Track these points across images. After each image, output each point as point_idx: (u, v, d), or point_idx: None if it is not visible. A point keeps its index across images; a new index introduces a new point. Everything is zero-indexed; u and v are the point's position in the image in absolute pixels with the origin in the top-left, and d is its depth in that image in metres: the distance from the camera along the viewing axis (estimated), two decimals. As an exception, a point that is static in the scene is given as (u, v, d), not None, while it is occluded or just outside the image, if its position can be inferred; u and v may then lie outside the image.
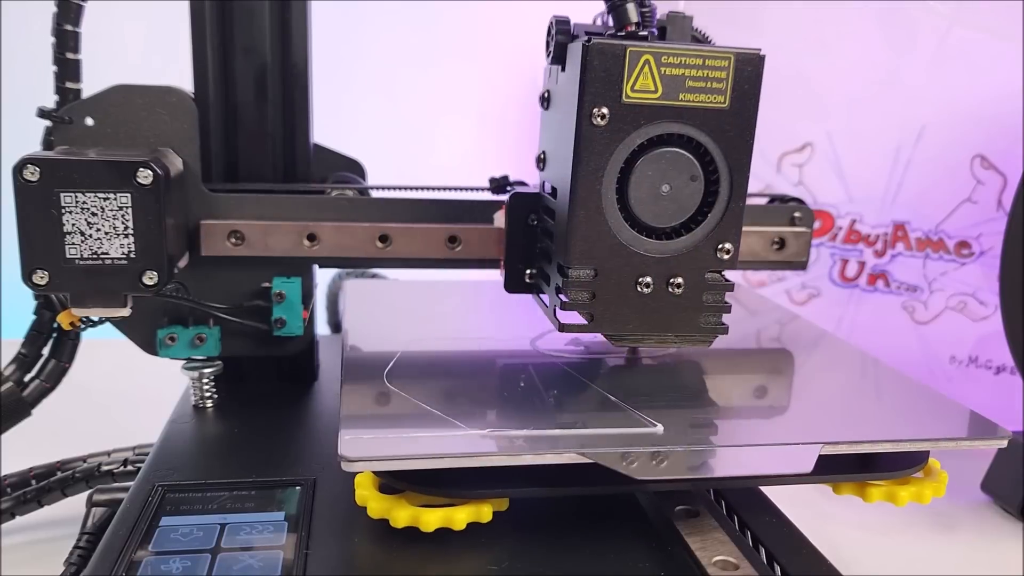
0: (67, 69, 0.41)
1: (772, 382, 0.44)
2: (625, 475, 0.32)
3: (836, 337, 0.53)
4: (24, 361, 0.46)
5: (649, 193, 0.35)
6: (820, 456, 0.34)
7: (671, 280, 0.36)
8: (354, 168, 0.51)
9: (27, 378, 0.46)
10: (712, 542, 0.35)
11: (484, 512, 0.34)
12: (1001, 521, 0.54)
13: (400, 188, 0.47)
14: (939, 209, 0.67)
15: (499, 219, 0.45)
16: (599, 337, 0.44)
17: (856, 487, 0.37)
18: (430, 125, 0.88)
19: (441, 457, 0.32)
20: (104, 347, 0.76)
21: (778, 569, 0.34)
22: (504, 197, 0.42)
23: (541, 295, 0.41)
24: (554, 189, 0.38)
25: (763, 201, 0.52)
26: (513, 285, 0.42)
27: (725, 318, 0.38)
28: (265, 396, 0.48)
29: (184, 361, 0.46)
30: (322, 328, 0.65)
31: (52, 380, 0.46)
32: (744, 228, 0.48)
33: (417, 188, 0.47)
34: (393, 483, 0.34)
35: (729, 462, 0.34)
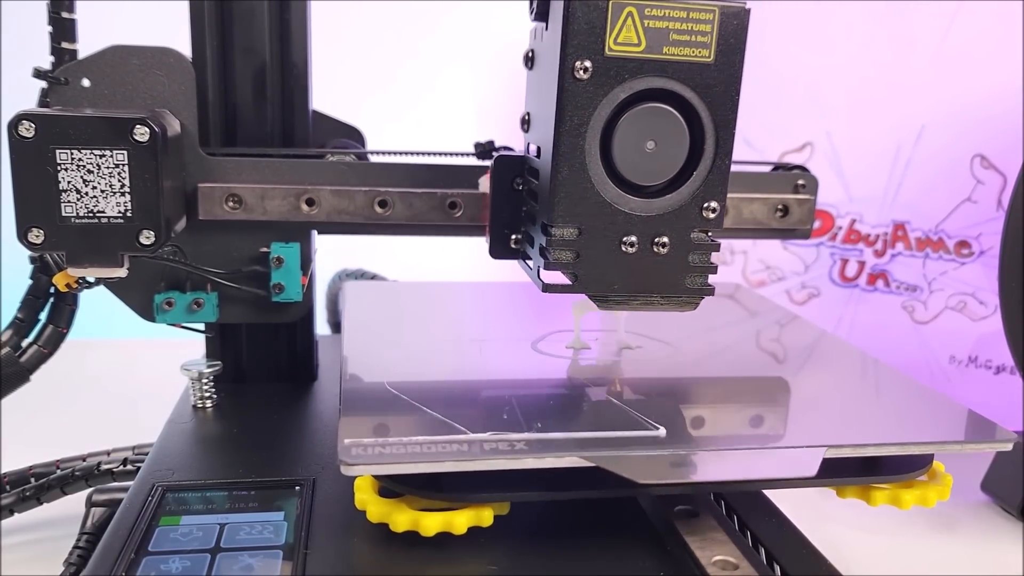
0: (62, 29, 0.41)
1: (772, 384, 0.44)
2: (628, 479, 0.32)
3: (836, 337, 0.52)
4: (20, 326, 0.45)
5: (634, 150, 0.34)
6: (824, 459, 0.34)
7: (656, 240, 0.36)
8: (353, 135, 0.51)
9: (24, 343, 0.46)
10: (712, 542, 0.35)
11: (485, 516, 0.33)
12: (1001, 521, 0.54)
13: (400, 153, 0.46)
14: (939, 209, 0.67)
15: (484, 184, 0.44)
16: (600, 339, 0.44)
17: (860, 490, 0.37)
18: (430, 113, 0.88)
19: (442, 461, 0.32)
20: (104, 347, 0.76)
21: (778, 569, 0.34)
22: (490, 162, 0.41)
23: (527, 260, 0.41)
24: (539, 150, 0.38)
25: (767, 169, 0.52)
26: (498, 251, 0.41)
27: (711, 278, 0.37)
28: (265, 396, 0.48)
29: (183, 362, 0.46)
30: (322, 328, 0.65)
31: (50, 346, 0.46)
32: (747, 195, 0.49)
33: (417, 153, 0.46)
34: (393, 487, 0.34)
35: (732, 465, 0.34)
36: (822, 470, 0.34)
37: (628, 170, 0.35)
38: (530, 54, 0.39)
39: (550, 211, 0.35)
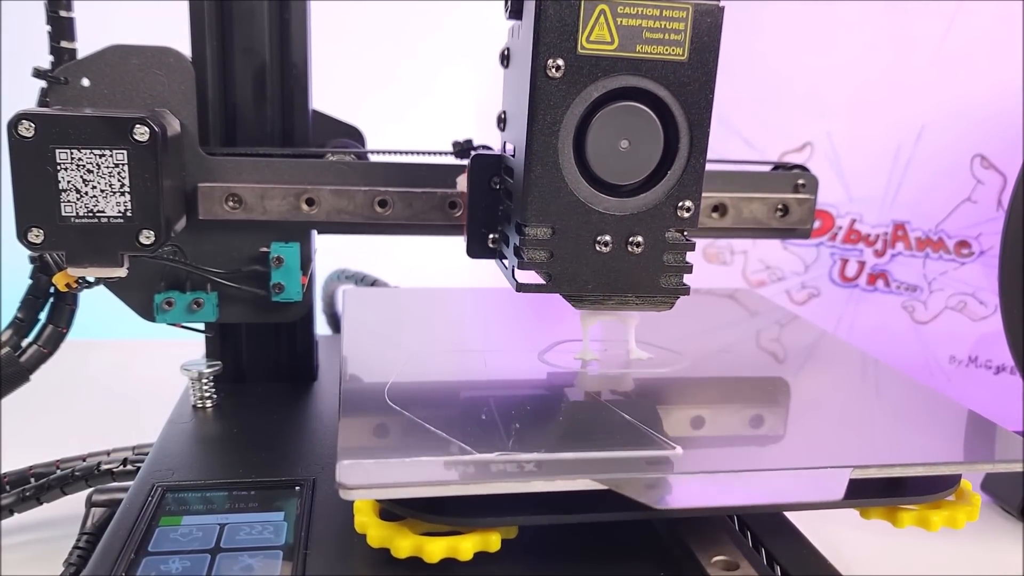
0: (61, 28, 0.41)
1: (781, 391, 0.43)
2: (643, 503, 0.31)
3: (836, 337, 0.52)
4: (20, 326, 0.45)
5: (608, 149, 0.34)
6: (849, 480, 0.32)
7: (630, 239, 0.35)
8: (353, 135, 0.51)
9: (24, 343, 0.46)
10: (712, 542, 0.35)
11: (492, 541, 0.32)
12: (1001, 521, 0.54)
13: (400, 153, 0.46)
14: (939, 209, 0.67)
15: (462, 183, 0.44)
16: (610, 350, 0.43)
17: (886, 512, 0.36)
18: (429, 112, 0.88)
19: (446, 484, 0.30)
20: (104, 347, 0.76)
21: (778, 569, 0.34)
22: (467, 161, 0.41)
23: (503, 260, 0.40)
24: (514, 149, 0.37)
25: (767, 169, 0.52)
26: (475, 250, 0.41)
27: (687, 278, 0.37)
28: (264, 396, 0.48)
29: (183, 362, 0.46)
30: (322, 328, 0.65)
31: (50, 346, 0.46)
32: (748, 195, 0.49)
33: (417, 153, 0.46)
34: (395, 510, 0.32)
35: (755, 489, 0.33)
36: (847, 491, 0.32)
37: (602, 169, 0.35)
38: (506, 52, 0.39)
39: (523, 210, 0.35)
